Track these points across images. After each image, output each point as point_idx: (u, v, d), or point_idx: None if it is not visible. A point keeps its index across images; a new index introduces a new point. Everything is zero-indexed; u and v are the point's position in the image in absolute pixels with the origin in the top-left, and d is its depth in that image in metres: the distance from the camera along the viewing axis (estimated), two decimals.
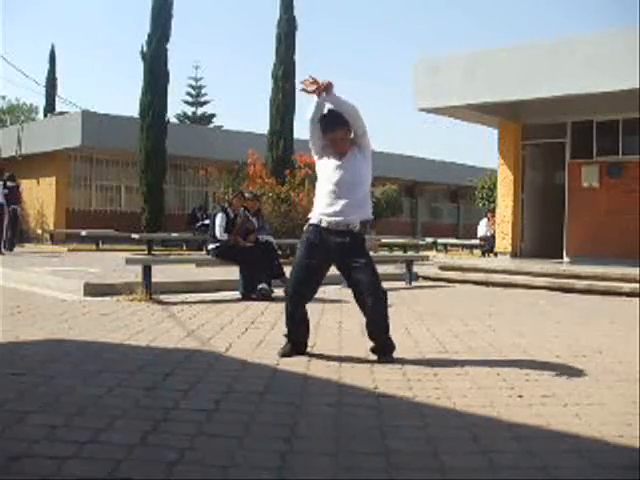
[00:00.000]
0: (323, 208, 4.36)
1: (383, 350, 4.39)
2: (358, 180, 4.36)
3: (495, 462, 2.56)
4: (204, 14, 74.95)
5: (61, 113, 24.95)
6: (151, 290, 7.39)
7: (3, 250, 14.55)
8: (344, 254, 4.34)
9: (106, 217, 23.19)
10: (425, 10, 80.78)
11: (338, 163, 4.34)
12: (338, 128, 4.31)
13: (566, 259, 12.43)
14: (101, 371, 3.88)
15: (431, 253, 17.90)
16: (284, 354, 4.41)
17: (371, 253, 4.69)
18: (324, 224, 4.35)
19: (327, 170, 4.37)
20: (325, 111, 4.32)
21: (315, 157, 4.53)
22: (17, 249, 15.96)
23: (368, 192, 4.51)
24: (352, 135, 4.37)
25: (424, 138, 73.70)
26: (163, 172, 20.51)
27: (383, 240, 18.49)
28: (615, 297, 9.01)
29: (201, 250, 14.95)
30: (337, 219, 4.31)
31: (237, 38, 78.08)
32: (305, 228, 4.50)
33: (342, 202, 4.30)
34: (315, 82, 4.25)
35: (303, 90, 4.30)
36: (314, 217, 4.42)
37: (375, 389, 3.63)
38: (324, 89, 4.24)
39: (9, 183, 15.47)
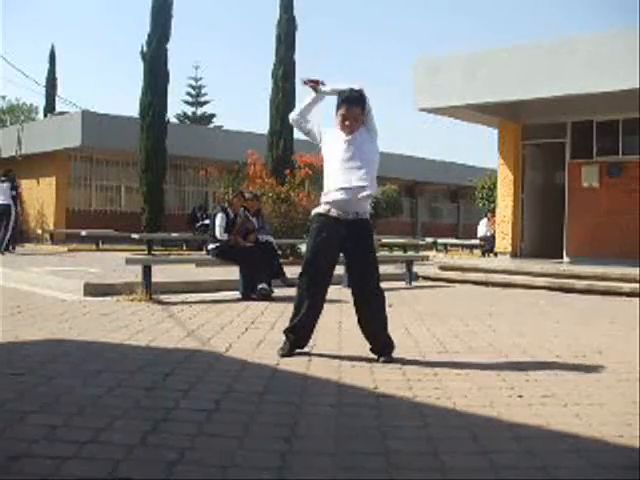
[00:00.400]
0: (331, 194, 4.35)
1: (383, 350, 4.39)
2: (365, 158, 4.35)
3: (495, 462, 2.55)
4: (204, 14, 75.08)
5: (61, 113, 24.93)
6: (151, 290, 7.39)
7: (3, 250, 14.54)
8: (353, 243, 4.37)
9: (106, 217, 23.17)
10: (425, 10, 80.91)
11: (346, 139, 4.36)
12: (356, 105, 4.37)
13: (566, 259, 12.42)
14: (101, 371, 3.88)
15: (431, 253, 17.90)
16: (284, 354, 4.41)
17: None
18: (333, 213, 4.37)
19: (335, 146, 4.38)
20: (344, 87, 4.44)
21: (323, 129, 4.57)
22: (17, 249, 15.94)
23: (375, 173, 4.42)
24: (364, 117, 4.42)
25: (424, 138, 73.76)
26: (163, 172, 20.49)
27: (383, 240, 18.46)
28: (615, 297, 9.01)
29: (201, 250, 14.95)
30: (346, 207, 4.32)
31: (237, 38, 78.21)
32: (312, 217, 4.51)
33: (349, 186, 4.28)
34: (314, 81, 4.54)
35: (305, 84, 4.56)
36: (321, 205, 4.44)
37: (375, 389, 3.63)
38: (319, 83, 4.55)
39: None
